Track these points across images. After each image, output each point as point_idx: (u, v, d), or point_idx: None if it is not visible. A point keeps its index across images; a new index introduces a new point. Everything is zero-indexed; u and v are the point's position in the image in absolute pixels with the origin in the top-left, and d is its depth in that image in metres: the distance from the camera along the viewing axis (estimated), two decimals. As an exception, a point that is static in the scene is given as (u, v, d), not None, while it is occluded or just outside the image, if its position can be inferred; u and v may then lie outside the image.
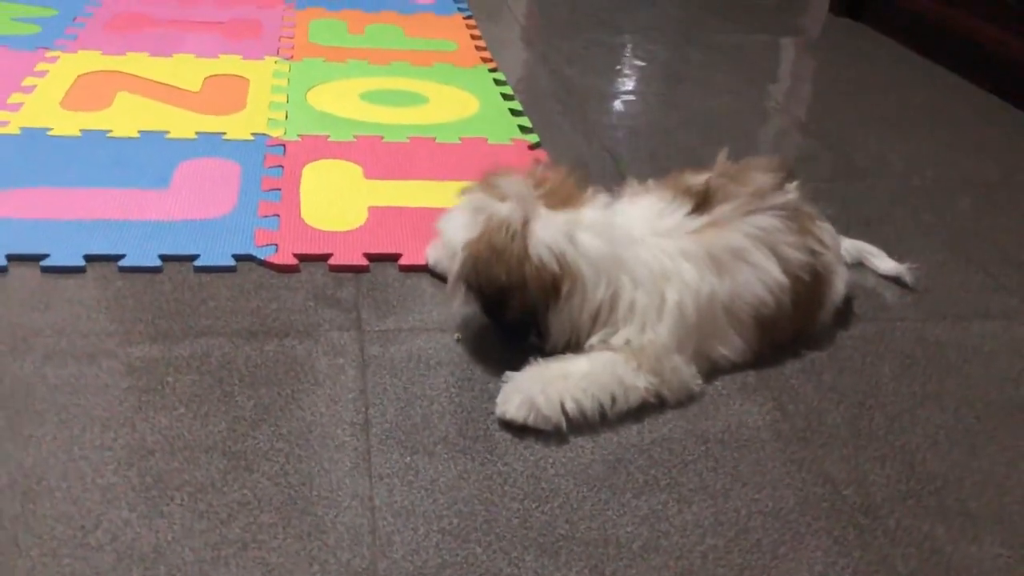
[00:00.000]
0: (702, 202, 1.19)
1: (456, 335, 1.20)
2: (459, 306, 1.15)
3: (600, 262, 1.09)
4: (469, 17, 2.50)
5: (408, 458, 1.00)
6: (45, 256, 1.27)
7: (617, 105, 2.04)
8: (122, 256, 1.29)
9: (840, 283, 1.28)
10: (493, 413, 1.07)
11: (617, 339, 1.10)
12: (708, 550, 0.92)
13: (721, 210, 1.18)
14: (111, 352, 1.12)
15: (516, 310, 1.09)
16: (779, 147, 1.90)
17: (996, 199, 1.73)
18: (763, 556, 0.92)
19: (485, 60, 2.19)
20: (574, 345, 1.11)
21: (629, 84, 2.17)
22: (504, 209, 1.10)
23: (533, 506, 0.95)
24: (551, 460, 1.02)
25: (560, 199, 1.14)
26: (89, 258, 1.29)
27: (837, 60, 2.48)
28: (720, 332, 1.16)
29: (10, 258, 1.27)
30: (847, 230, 1.54)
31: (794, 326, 1.22)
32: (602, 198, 1.18)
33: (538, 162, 1.17)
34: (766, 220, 1.18)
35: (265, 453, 0.99)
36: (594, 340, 1.10)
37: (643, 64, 2.32)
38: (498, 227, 1.08)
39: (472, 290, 1.11)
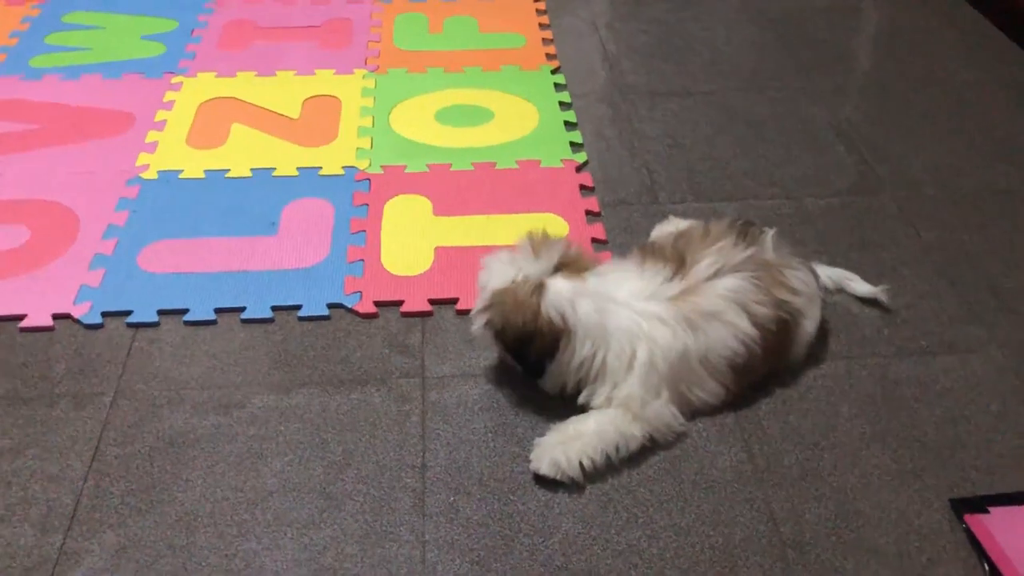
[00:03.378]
0: (678, 267, 1.46)
1: None
2: (477, 332, 1.45)
3: (588, 327, 1.39)
4: (540, -1, 2.71)
5: (452, 498, 1.36)
6: (186, 311, 1.66)
7: (664, 107, 2.25)
8: (243, 309, 1.67)
9: (810, 323, 1.53)
10: (520, 456, 1.41)
11: (598, 397, 1.41)
12: (665, 580, 1.26)
13: (694, 273, 1.45)
14: (240, 403, 1.50)
15: (532, 352, 1.41)
16: (810, 156, 2.09)
17: (1004, 211, 1.90)
18: (705, 586, 1.25)
19: (549, 57, 2.43)
20: (569, 393, 1.44)
21: (679, 78, 2.36)
22: (531, 269, 1.41)
23: (539, 541, 1.30)
24: (557, 500, 1.36)
25: (575, 267, 1.44)
26: (218, 311, 1.66)
27: (900, 31, 2.58)
28: (697, 380, 1.44)
29: (160, 313, 1.66)
30: (847, 254, 1.78)
31: (766, 367, 1.50)
32: (604, 267, 1.47)
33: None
34: (736, 282, 1.45)
35: (350, 494, 1.37)
36: (582, 398, 1.42)
37: (695, 47, 2.49)
38: (525, 286, 1.40)
39: (496, 330, 1.43)
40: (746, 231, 1.53)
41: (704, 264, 1.45)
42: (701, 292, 1.43)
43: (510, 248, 1.48)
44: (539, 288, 1.40)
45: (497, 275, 1.44)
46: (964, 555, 1.28)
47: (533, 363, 1.44)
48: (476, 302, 1.47)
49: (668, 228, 1.75)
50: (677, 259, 1.48)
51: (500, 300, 1.41)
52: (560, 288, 1.40)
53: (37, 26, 2.55)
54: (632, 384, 1.40)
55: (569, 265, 1.45)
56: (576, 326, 1.39)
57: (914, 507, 1.35)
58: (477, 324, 1.46)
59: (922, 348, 1.60)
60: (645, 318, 1.41)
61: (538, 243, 1.46)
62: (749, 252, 1.48)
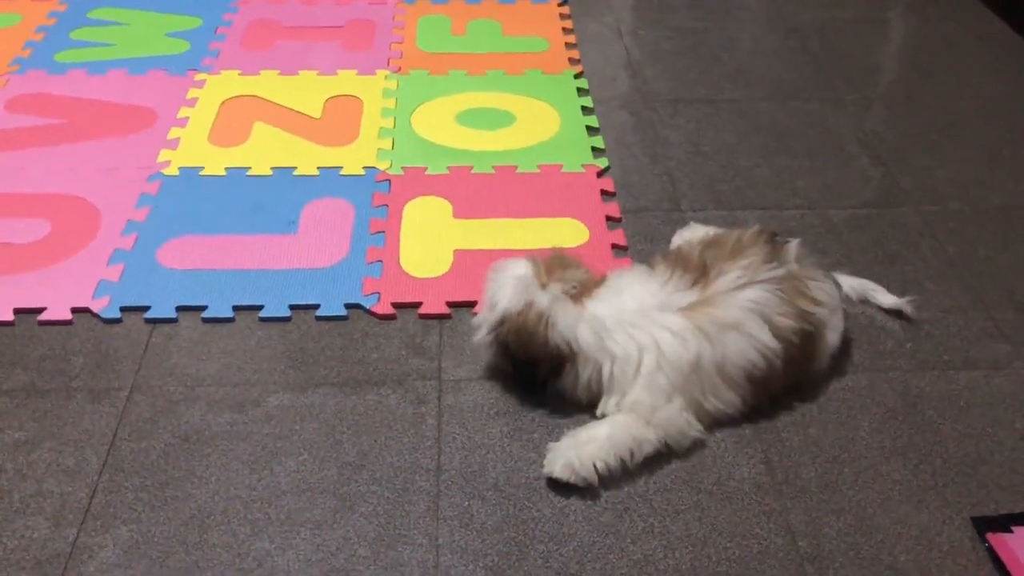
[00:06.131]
0: (699, 277, 1.45)
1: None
2: (481, 342, 1.48)
3: (588, 352, 1.41)
4: (564, 3, 2.70)
5: (467, 502, 1.35)
6: (204, 308, 1.66)
7: (687, 114, 2.23)
8: (261, 307, 1.66)
9: (834, 335, 1.51)
10: (535, 462, 1.40)
11: (610, 406, 1.41)
12: (680, 591, 1.24)
13: (716, 285, 1.44)
14: (255, 401, 1.50)
15: (538, 373, 1.44)
16: (834, 167, 2.07)
17: (1027, 227, 1.88)
18: (721, 598, 1.24)
19: (572, 61, 2.42)
20: (583, 403, 1.44)
21: (703, 86, 2.35)
22: (541, 299, 1.42)
23: (554, 548, 1.29)
24: (572, 507, 1.35)
25: (584, 288, 1.45)
26: (236, 308, 1.66)
27: (927, 43, 2.56)
28: (712, 388, 1.42)
29: (178, 309, 1.66)
30: (870, 267, 1.76)
31: (789, 380, 1.48)
32: (614, 283, 1.46)
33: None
34: (758, 293, 1.43)
35: (364, 495, 1.36)
36: (599, 411, 1.42)
37: (720, 55, 2.48)
38: (535, 314, 1.41)
39: (507, 351, 1.46)
40: (772, 241, 1.51)
41: (730, 277, 1.44)
42: (719, 303, 1.42)
43: (519, 264, 1.48)
44: (550, 313, 1.41)
45: (508, 295, 1.45)
46: (985, 574, 1.26)
47: (538, 382, 1.46)
48: (483, 312, 1.49)
49: (689, 234, 1.73)
50: (700, 269, 1.46)
51: (512, 323, 1.43)
52: (568, 317, 1.41)
53: (63, 21, 2.56)
54: (638, 390, 1.39)
55: (578, 286, 1.45)
56: (579, 352, 1.41)
57: (935, 524, 1.33)
58: (481, 335, 1.48)
59: (945, 363, 1.58)
60: (652, 329, 1.40)
61: (547, 269, 1.47)
62: (780, 271, 1.46)
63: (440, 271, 1.74)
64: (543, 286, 1.43)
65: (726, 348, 1.40)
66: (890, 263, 1.78)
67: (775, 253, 1.50)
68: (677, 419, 1.40)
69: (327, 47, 2.46)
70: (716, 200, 1.95)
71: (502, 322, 1.44)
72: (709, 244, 1.53)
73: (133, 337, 1.61)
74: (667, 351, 1.38)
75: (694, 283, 1.44)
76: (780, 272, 1.46)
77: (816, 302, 1.48)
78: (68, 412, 1.47)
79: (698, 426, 1.43)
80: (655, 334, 1.39)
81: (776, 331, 1.42)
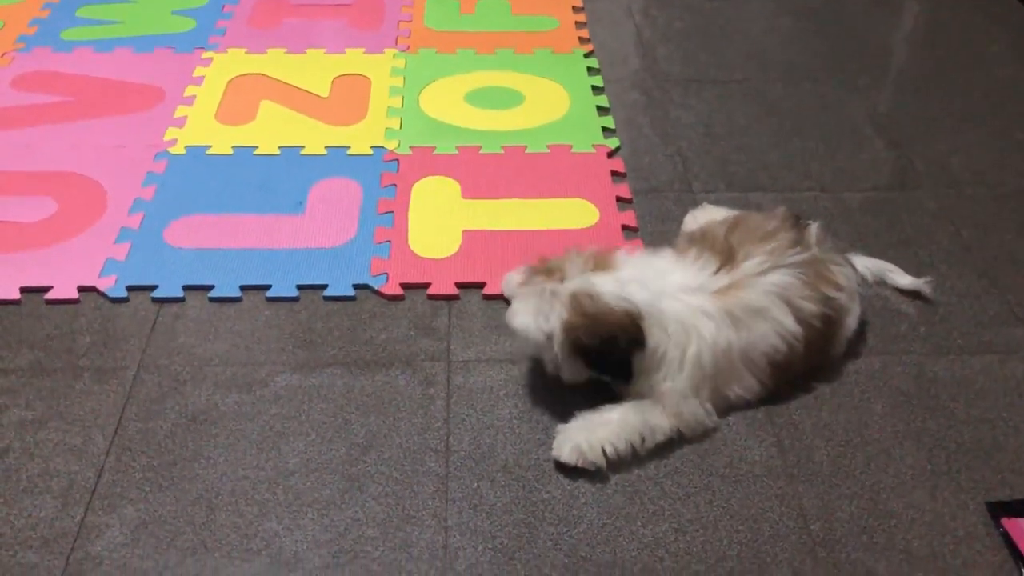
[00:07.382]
0: (726, 260, 1.43)
1: None
2: (573, 374, 1.37)
3: (647, 309, 1.32)
4: (574, -18, 2.67)
5: (476, 484, 1.34)
6: (211, 287, 1.65)
7: (699, 95, 2.21)
8: (268, 287, 1.65)
9: (852, 319, 1.50)
10: (545, 444, 1.39)
11: (642, 385, 1.37)
12: (691, 575, 1.23)
13: (743, 269, 1.41)
14: (263, 381, 1.49)
15: (619, 351, 1.32)
16: (847, 149, 2.05)
17: (1043, 210, 1.86)
18: (732, 582, 1.23)
19: (582, 41, 2.39)
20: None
21: (715, 67, 2.32)
22: (571, 285, 1.34)
23: (564, 530, 1.28)
24: (582, 490, 1.33)
25: (601, 265, 1.40)
26: (244, 288, 1.65)
27: (941, 25, 2.53)
28: (736, 376, 1.41)
29: (185, 288, 1.65)
30: (884, 250, 1.74)
31: (808, 364, 1.46)
32: (634, 260, 1.43)
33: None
34: (783, 277, 1.41)
35: (372, 476, 1.35)
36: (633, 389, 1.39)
37: (732, 36, 2.45)
38: (579, 300, 1.32)
39: (583, 353, 1.33)
40: (797, 225, 1.49)
41: (755, 261, 1.41)
42: (747, 287, 1.39)
43: (532, 289, 1.39)
44: (593, 292, 1.32)
45: (536, 312, 1.35)
46: (1000, 559, 1.25)
47: (622, 363, 1.35)
48: (545, 353, 1.39)
49: (702, 215, 1.71)
50: (727, 251, 1.44)
51: (573, 326, 1.32)
52: (606, 281, 1.33)
53: (69, -2, 2.54)
54: (679, 379, 1.36)
55: (595, 263, 1.39)
56: (641, 312, 1.32)
57: (949, 509, 1.31)
58: (569, 366, 1.37)
59: (960, 347, 1.56)
60: (693, 312, 1.36)
61: (545, 270, 1.39)
62: (803, 256, 1.43)
63: (449, 252, 1.72)
64: (552, 283, 1.36)
65: (752, 334, 1.38)
66: (904, 247, 1.76)
67: (800, 237, 1.48)
68: (699, 412, 1.39)
69: (335, 25, 2.44)
70: (728, 181, 1.93)
71: (568, 335, 1.33)
72: (733, 226, 1.50)
73: (140, 316, 1.60)
74: (707, 337, 1.35)
75: (721, 266, 1.42)
76: (804, 256, 1.44)
77: (838, 287, 1.46)
78: (75, 391, 1.46)
79: (715, 417, 1.41)
80: (696, 318, 1.35)
81: (799, 315, 1.40)
